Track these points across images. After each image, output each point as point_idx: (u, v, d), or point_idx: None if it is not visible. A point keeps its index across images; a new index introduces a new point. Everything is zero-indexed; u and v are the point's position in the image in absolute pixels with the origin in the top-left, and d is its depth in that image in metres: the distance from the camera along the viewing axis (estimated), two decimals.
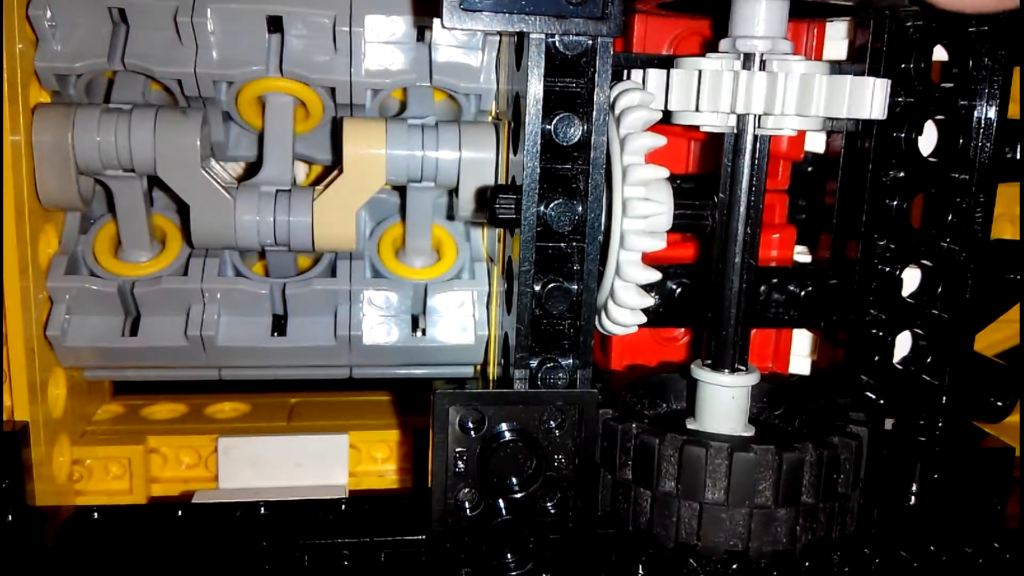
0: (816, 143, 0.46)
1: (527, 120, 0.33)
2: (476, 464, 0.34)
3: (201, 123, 0.42)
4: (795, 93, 0.34)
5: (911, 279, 0.44)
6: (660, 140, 0.34)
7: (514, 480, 0.35)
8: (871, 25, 0.41)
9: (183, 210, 0.44)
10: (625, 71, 0.38)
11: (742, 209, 0.36)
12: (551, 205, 0.33)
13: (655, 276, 0.35)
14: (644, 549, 0.36)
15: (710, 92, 0.35)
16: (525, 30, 0.32)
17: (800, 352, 0.49)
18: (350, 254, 0.46)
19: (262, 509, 0.39)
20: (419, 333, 0.46)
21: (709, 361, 0.38)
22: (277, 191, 0.44)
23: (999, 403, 0.43)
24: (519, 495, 0.35)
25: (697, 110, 0.35)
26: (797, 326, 0.46)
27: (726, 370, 0.37)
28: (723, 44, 0.36)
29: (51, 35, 0.42)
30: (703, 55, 0.36)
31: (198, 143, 0.42)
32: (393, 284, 0.45)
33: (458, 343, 0.46)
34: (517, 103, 0.35)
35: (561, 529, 0.35)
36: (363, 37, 0.43)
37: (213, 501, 0.41)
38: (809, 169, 0.48)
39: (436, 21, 0.43)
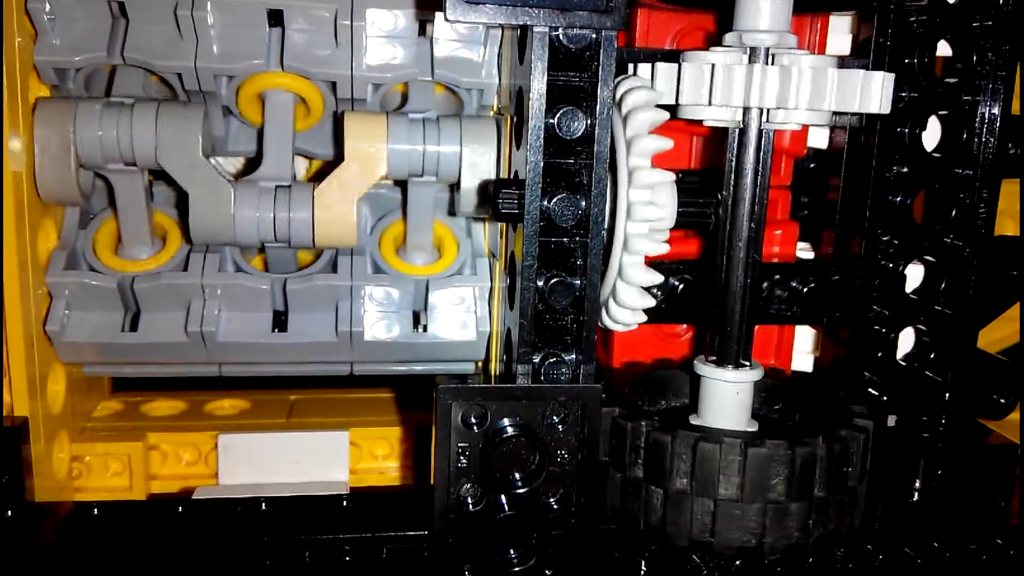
0: (819, 139, 0.46)
1: (530, 114, 0.33)
2: (479, 460, 0.34)
3: (203, 114, 0.42)
4: (808, 87, 0.34)
5: (914, 275, 0.43)
6: (667, 143, 0.34)
7: (517, 476, 0.34)
8: (875, 19, 0.41)
9: (183, 206, 0.44)
10: (630, 65, 0.38)
11: (746, 205, 0.36)
12: (554, 200, 0.33)
13: (657, 279, 0.35)
14: (647, 545, 0.36)
15: (723, 86, 0.34)
16: (528, 23, 0.32)
17: (803, 348, 0.49)
18: (351, 250, 0.46)
19: (263, 505, 0.39)
20: (420, 329, 0.46)
21: (713, 357, 0.38)
22: (277, 187, 0.43)
23: (1002, 400, 0.43)
24: (522, 491, 0.35)
25: (709, 104, 0.35)
26: (800, 322, 0.46)
27: (730, 366, 0.37)
28: (729, 38, 0.36)
29: (50, 28, 0.41)
30: (707, 49, 0.36)
31: (200, 134, 0.42)
32: (394, 280, 0.45)
33: (460, 339, 0.46)
34: (520, 97, 0.34)
35: (564, 525, 0.35)
36: (364, 31, 0.43)
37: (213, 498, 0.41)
38: (812, 165, 0.48)
39: (438, 15, 0.43)
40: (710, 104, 0.35)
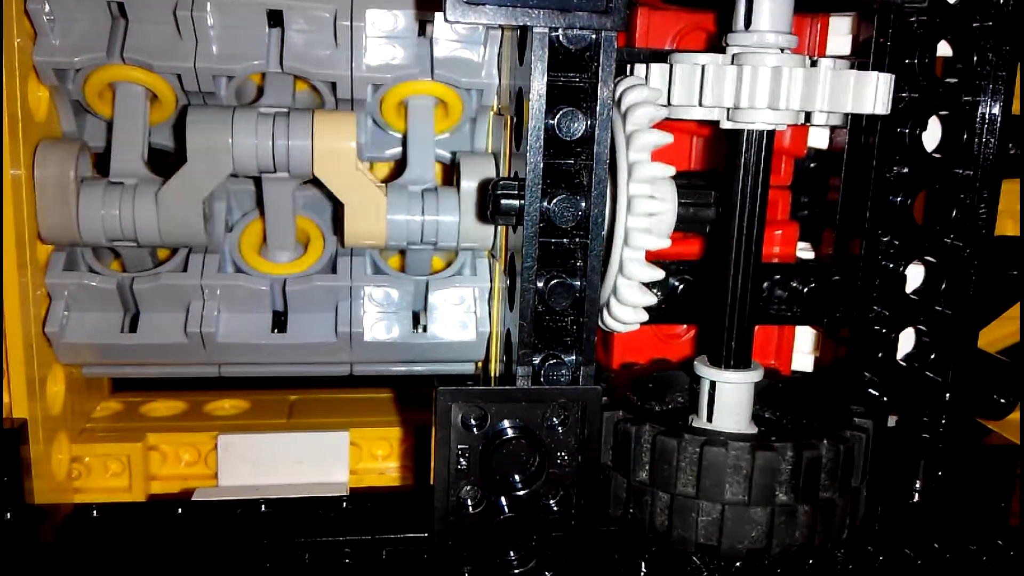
0: (819, 139, 0.46)
1: (530, 115, 0.33)
2: (479, 461, 0.34)
3: None
4: (828, 88, 0.34)
5: (915, 275, 0.43)
6: (667, 137, 0.34)
7: (517, 478, 0.34)
8: (875, 20, 0.41)
9: None
10: (628, 66, 0.38)
11: (746, 205, 0.36)
12: (554, 201, 0.33)
13: (658, 274, 0.35)
14: (647, 547, 0.36)
15: (750, 88, 0.34)
16: (528, 24, 0.32)
17: (803, 348, 0.48)
18: (351, 250, 0.46)
19: (262, 507, 0.39)
20: (420, 330, 0.46)
21: (713, 358, 0.38)
22: (276, 114, 0.43)
23: (1002, 400, 0.43)
24: (522, 493, 0.34)
25: (736, 107, 0.34)
26: (800, 323, 0.46)
27: (730, 367, 0.37)
28: (749, 38, 0.35)
29: (49, 29, 0.41)
30: (708, 49, 0.36)
31: None
32: (394, 280, 0.45)
33: (459, 340, 0.45)
34: (520, 98, 0.34)
35: (564, 527, 0.35)
36: (364, 32, 0.43)
37: (213, 499, 0.41)
38: (812, 165, 0.48)
39: (438, 15, 0.43)
40: (737, 107, 0.34)
